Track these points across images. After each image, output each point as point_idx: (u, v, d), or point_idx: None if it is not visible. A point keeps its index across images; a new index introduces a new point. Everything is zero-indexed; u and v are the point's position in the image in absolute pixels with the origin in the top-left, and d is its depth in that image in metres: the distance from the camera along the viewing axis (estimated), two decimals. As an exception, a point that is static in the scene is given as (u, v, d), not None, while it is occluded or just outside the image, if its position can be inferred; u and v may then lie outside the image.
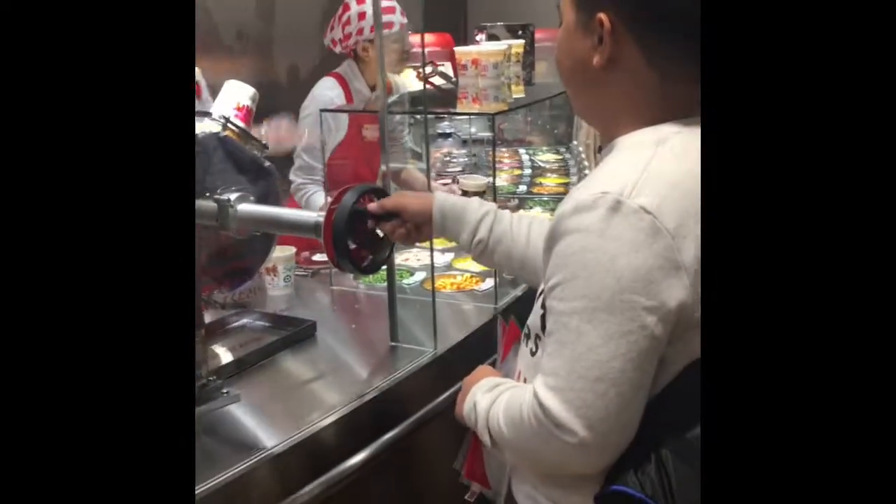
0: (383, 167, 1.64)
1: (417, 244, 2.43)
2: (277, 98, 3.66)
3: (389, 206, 1.41)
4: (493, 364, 1.33)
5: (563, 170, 3.38)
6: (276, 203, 1.63)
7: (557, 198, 2.96)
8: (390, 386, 1.58)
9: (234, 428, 1.43)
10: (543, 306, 1.05)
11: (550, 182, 3.23)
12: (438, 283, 2.15)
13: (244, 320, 1.86)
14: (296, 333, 1.76)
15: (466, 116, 2.68)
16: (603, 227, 0.94)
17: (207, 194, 1.51)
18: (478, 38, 4.12)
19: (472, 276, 2.18)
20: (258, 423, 1.46)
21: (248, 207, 1.52)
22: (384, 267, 1.57)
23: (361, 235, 1.42)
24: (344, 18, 2.77)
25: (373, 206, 1.40)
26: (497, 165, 3.46)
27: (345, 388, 1.56)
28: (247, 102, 1.96)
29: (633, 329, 0.93)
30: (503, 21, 3.98)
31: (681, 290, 0.94)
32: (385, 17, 2.71)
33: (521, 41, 2.64)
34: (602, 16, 1.03)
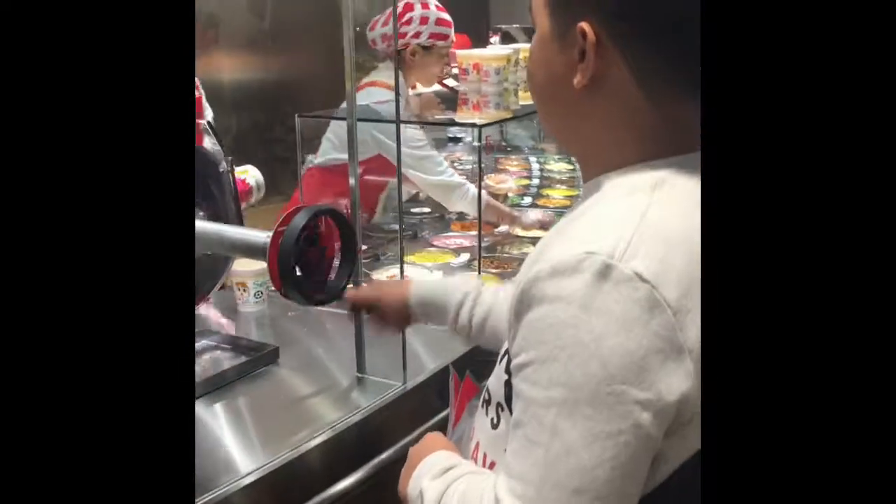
0: (351, 180, 1.48)
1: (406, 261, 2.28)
2: (280, 96, 3.54)
3: (365, 298, 1.38)
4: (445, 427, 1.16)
5: (573, 181, 3.20)
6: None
7: (562, 212, 2.79)
8: (349, 425, 1.43)
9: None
10: (508, 371, 0.89)
11: (558, 194, 3.06)
12: (422, 304, 1.99)
13: (201, 342, 1.71)
14: (254, 361, 1.61)
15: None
16: (588, 297, 0.75)
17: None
18: (492, 39, 3.96)
19: (459, 299, 2.02)
20: (204, 461, 1.31)
21: (198, 224, 1.37)
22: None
23: (313, 262, 1.26)
24: (405, 18, 2.64)
25: (350, 294, 1.37)
26: (505, 173, 3.30)
27: (298, 427, 1.41)
28: (251, 182, 1.92)
29: (623, 428, 0.75)
30: (523, 23, 3.81)
31: (682, 378, 0.76)
32: (440, 29, 2.67)
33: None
34: (584, 26, 0.84)
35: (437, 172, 2.51)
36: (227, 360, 1.62)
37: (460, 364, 1.43)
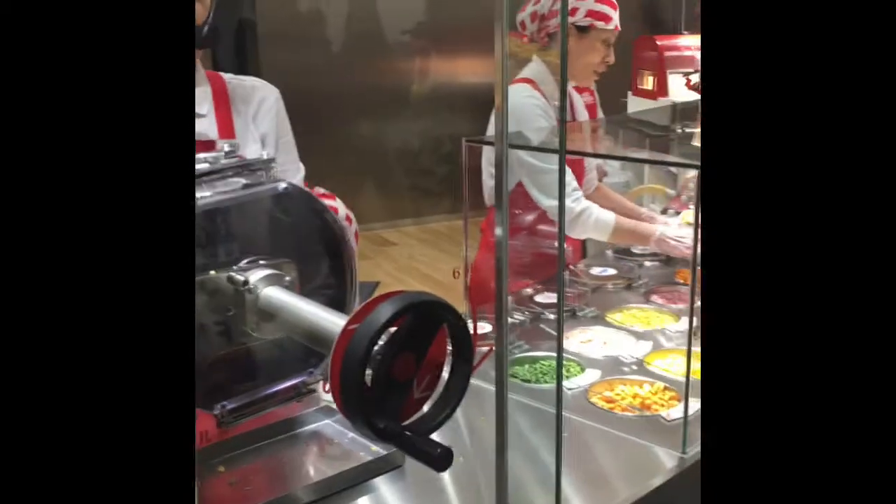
0: (498, 230, 1.04)
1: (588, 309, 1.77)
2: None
3: None
4: None
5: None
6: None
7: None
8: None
9: None
10: None
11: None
12: (615, 391, 1.50)
13: (323, 421, 1.35)
14: (366, 466, 1.22)
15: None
16: None
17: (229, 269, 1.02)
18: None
19: (666, 390, 1.50)
20: None
21: (276, 295, 1.00)
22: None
23: (402, 375, 0.84)
24: None
25: None
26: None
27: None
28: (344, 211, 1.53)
29: None
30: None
31: None
32: (601, 7, 2.12)
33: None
34: None
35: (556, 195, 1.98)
36: (341, 458, 1.26)
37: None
